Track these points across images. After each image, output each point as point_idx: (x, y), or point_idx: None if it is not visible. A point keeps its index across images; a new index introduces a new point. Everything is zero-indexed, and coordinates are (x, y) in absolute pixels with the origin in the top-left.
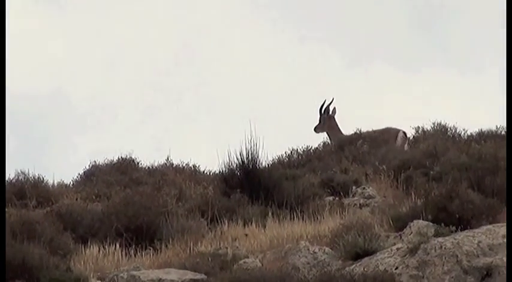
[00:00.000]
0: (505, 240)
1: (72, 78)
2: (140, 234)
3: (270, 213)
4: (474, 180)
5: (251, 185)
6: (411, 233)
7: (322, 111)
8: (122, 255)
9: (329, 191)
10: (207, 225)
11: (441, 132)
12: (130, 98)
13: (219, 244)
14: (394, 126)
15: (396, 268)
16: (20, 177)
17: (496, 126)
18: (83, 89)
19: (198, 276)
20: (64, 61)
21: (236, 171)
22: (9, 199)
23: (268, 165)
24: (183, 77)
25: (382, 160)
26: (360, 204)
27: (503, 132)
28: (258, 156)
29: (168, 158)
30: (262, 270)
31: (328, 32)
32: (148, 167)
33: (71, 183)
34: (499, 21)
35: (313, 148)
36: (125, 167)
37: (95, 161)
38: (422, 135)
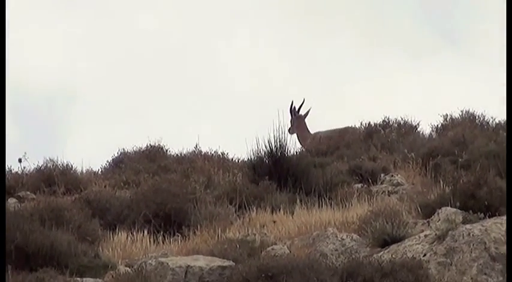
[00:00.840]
0: None
1: (95, 67)
2: (168, 221)
3: (298, 200)
4: (502, 167)
5: (279, 172)
6: (439, 220)
7: (292, 112)
8: (150, 241)
9: (357, 178)
10: (235, 212)
11: (469, 120)
12: (157, 86)
13: (247, 231)
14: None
15: (424, 255)
16: (48, 165)
17: None
18: (104, 77)
19: (226, 263)
20: (83, 49)
21: (264, 159)
22: (38, 186)
23: (296, 152)
24: (207, 64)
25: (410, 148)
26: (388, 192)
27: None
28: (286, 144)
29: (196, 146)
30: (290, 256)
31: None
32: (177, 155)
33: (100, 170)
34: None
35: None
36: (154, 155)
37: (123, 149)
38: (451, 123)
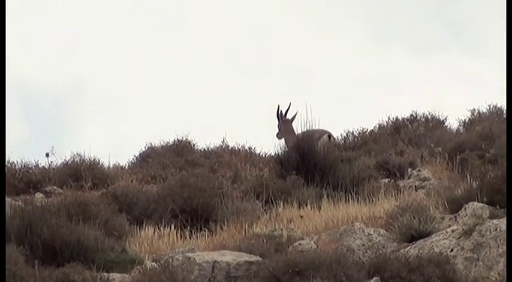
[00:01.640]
0: None
1: (110, 62)
2: (195, 216)
3: (325, 195)
4: None
5: (306, 167)
6: (466, 215)
7: (279, 117)
8: (176, 236)
9: (384, 173)
10: (262, 207)
11: (496, 115)
12: (183, 80)
13: (274, 226)
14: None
15: (451, 250)
16: (75, 159)
17: None
18: (120, 71)
19: (253, 258)
20: (96, 43)
21: (292, 154)
22: (65, 181)
23: (323, 147)
24: (237, 60)
25: (437, 143)
26: (415, 187)
27: None
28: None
29: (223, 140)
30: (317, 252)
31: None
32: (204, 149)
33: (127, 165)
34: None
35: (368, 130)
36: (181, 149)
37: (150, 143)
38: (478, 118)
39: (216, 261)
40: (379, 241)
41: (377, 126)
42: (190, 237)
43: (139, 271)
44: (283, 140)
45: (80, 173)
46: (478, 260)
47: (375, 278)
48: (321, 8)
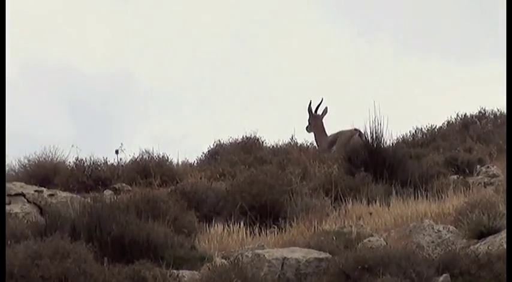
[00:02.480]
0: None
1: (162, 59)
2: (264, 213)
3: (394, 192)
4: None
5: (375, 164)
6: None
7: (310, 112)
8: (246, 233)
9: (453, 169)
10: (331, 203)
11: None
12: (249, 76)
13: (343, 223)
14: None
15: None
16: (144, 156)
17: None
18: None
19: (323, 254)
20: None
21: (360, 150)
22: (133, 178)
23: (392, 144)
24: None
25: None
26: (484, 183)
27: None
28: (382, 135)
29: (292, 137)
30: (387, 248)
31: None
32: (273, 146)
33: (195, 162)
34: None
35: (437, 127)
36: (249, 146)
37: (219, 140)
38: None
39: (285, 258)
40: (449, 238)
41: (445, 123)
42: (259, 234)
43: (208, 268)
44: (312, 134)
45: (149, 170)
46: None
47: (444, 275)
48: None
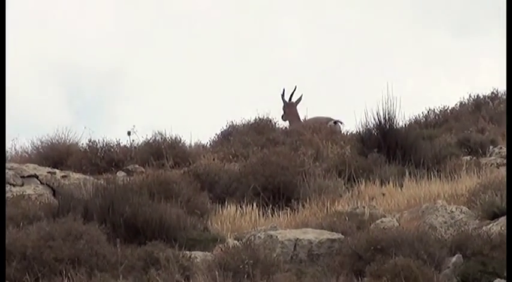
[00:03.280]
0: None
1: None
2: (277, 194)
3: (407, 173)
4: None
5: (388, 145)
6: None
7: (283, 100)
8: (258, 214)
9: (466, 150)
10: (344, 184)
11: None
12: (262, 58)
13: (356, 203)
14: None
15: None
16: (157, 138)
17: None
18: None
19: (335, 235)
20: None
21: (373, 131)
22: (146, 159)
23: (405, 125)
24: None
25: None
26: (496, 164)
27: None
28: (395, 116)
29: (305, 118)
30: (399, 229)
31: None
32: (285, 127)
33: (208, 143)
34: None
35: (450, 108)
36: (262, 127)
37: (232, 122)
38: None
39: (298, 239)
40: (461, 218)
41: (458, 103)
42: (272, 215)
43: (221, 249)
44: (287, 122)
45: (162, 152)
46: None
47: (456, 256)
48: None
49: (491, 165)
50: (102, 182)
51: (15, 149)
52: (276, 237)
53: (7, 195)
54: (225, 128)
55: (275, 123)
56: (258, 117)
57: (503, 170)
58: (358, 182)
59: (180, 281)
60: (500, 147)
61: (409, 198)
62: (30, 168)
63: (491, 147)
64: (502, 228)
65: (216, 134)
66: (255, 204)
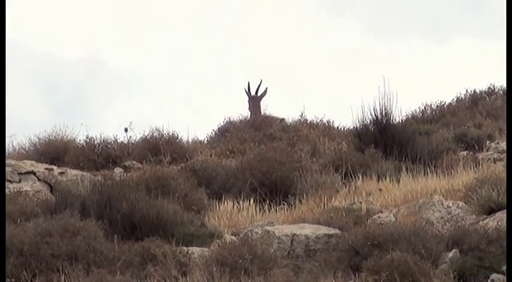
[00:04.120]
0: None
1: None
2: (274, 190)
3: (403, 168)
4: None
5: (385, 140)
6: None
7: (248, 93)
8: (256, 210)
9: (463, 145)
10: (341, 180)
11: None
12: (259, 53)
13: (353, 199)
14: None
15: None
16: (154, 134)
17: None
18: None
19: (332, 231)
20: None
21: (370, 127)
22: (143, 155)
23: (401, 120)
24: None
25: None
26: (493, 159)
27: None
28: (391, 112)
29: (302, 114)
30: (396, 224)
31: None
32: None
33: (205, 139)
34: None
35: (446, 103)
36: (259, 123)
37: (229, 118)
38: None
39: (295, 234)
40: (458, 213)
41: (455, 99)
42: (269, 211)
43: (218, 245)
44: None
45: (159, 148)
46: None
47: (453, 250)
48: None
49: (488, 160)
50: (99, 178)
51: (12, 146)
52: (273, 232)
53: None
54: (222, 124)
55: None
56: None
57: (500, 165)
58: (355, 177)
59: (177, 277)
60: (497, 142)
61: (406, 193)
62: (28, 165)
63: (488, 142)
64: (499, 223)
65: (213, 130)
66: (252, 200)
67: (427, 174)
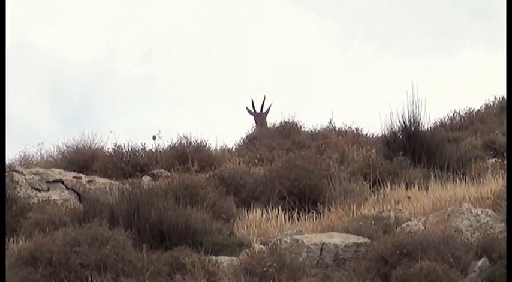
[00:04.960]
0: None
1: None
2: (303, 198)
3: (432, 176)
4: None
5: (413, 148)
6: None
7: (253, 111)
8: (284, 219)
9: (491, 153)
10: (370, 188)
11: None
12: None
13: (382, 207)
14: None
15: None
16: (182, 142)
17: None
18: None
19: (361, 239)
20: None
21: (398, 134)
22: (172, 163)
23: (430, 127)
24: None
25: None
26: None
27: None
28: (420, 119)
29: (330, 121)
30: (425, 233)
31: None
32: (311, 131)
33: (234, 147)
34: None
35: (475, 110)
36: (288, 131)
37: None
38: None
39: (324, 243)
40: (487, 222)
41: (483, 106)
42: (298, 219)
43: (247, 254)
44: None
45: (187, 156)
46: None
47: (483, 259)
48: None
49: None
50: (127, 187)
51: (40, 154)
52: (302, 241)
53: (33, 200)
54: (250, 131)
55: (300, 127)
56: (284, 120)
57: None
58: (383, 185)
59: None
60: None
61: (434, 201)
62: (56, 173)
63: None
64: None
65: (242, 138)
66: (280, 208)
67: (456, 181)
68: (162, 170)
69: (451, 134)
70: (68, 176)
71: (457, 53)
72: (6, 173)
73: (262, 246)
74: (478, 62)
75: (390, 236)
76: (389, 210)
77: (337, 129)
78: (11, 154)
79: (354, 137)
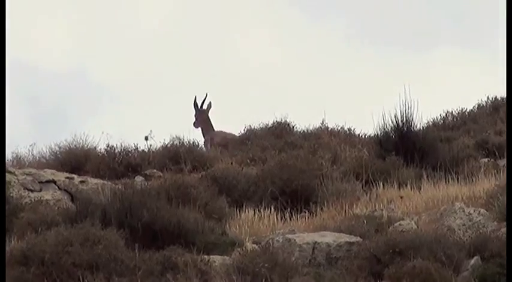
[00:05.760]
0: None
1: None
2: (295, 198)
3: (424, 175)
4: None
5: (406, 147)
6: None
7: (195, 107)
8: (277, 218)
9: (484, 152)
10: (362, 187)
11: None
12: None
13: (374, 206)
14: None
15: None
16: (175, 142)
17: None
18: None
19: (354, 238)
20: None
21: (391, 134)
22: (164, 164)
23: (422, 127)
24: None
25: None
26: None
27: None
28: (412, 119)
29: (323, 121)
30: (418, 232)
31: None
32: (303, 131)
33: None
34: None
35: (468, 110)
36: (280, 131)
37: (250, 125)
38: None
39: (316, 242)
40: (480, 221)
41: (476, 106)
42: (290, 219)
43: (239, 253)
44: (200, 129)
45: (179, 156)
46: None
47: (475, 258)
48: None
49: None
50: (120, 187)
51: (32, 155)
52: (294, 240)
53: (25, 200)
54: (243, 131)
55: (293, 127)
56: (276, 121)
57: None
58: (376, 184)
59: None
60: None
61: (427, 200)
62: (48, 174)
63: None
64: None
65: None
66: (273, 208)
67: (448, 181)
68: (155, 170)
69: (444, 133)
70: (61, 176)
71: (451, 53)
72: None
73: (254, 246)
74: (471, 62)
75: (382, 235)
76: (382, 210)
77: (329, 129)
78: None
79: (347, 137)
